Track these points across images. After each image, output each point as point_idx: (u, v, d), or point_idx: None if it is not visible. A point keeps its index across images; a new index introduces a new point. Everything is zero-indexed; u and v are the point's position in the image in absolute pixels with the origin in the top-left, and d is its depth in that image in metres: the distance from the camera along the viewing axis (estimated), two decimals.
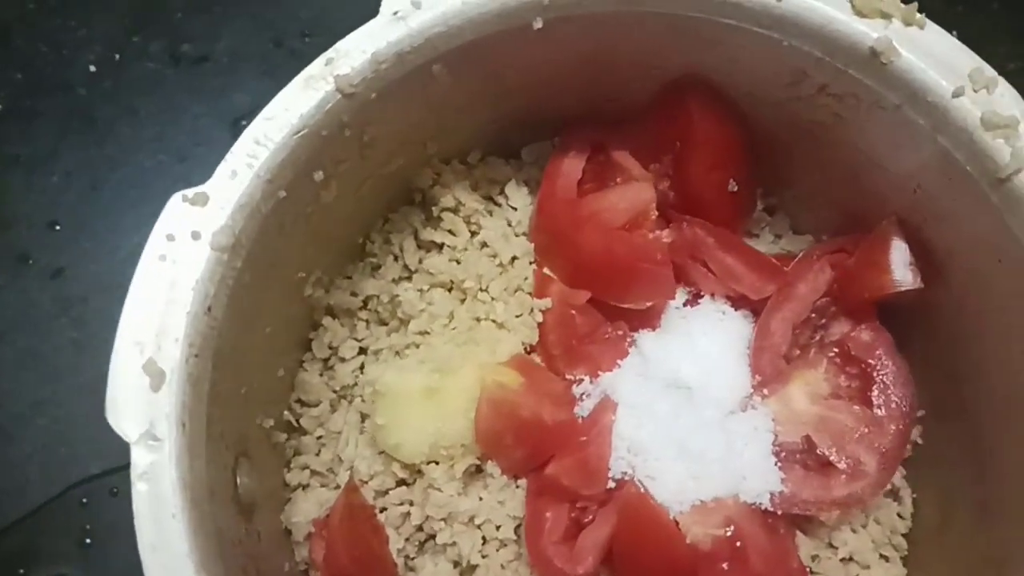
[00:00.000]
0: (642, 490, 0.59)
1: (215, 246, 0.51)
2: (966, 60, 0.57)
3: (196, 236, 0.51)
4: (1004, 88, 0.56)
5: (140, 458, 0.47)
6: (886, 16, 0.57)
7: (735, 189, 0.69)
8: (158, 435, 0.48)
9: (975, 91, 0.56)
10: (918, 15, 0.57)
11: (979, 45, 0.98)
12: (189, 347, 0.50)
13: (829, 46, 0.57)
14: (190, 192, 0.52)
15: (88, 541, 0.74)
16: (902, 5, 0.57)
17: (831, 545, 0.66)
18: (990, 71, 0.56)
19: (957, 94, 0.55)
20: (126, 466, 0.48)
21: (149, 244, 0.51)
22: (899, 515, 0.69)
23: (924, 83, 0.56)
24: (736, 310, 0.70)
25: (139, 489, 0.47)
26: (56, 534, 0.74)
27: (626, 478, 0.61)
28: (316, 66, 0.55)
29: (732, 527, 0.59)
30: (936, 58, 0.56)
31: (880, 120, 0.60)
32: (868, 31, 0.56)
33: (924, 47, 0.56)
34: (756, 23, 0.58)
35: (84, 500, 0.75)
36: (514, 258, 0.70)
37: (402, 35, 0.55)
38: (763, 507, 0.62)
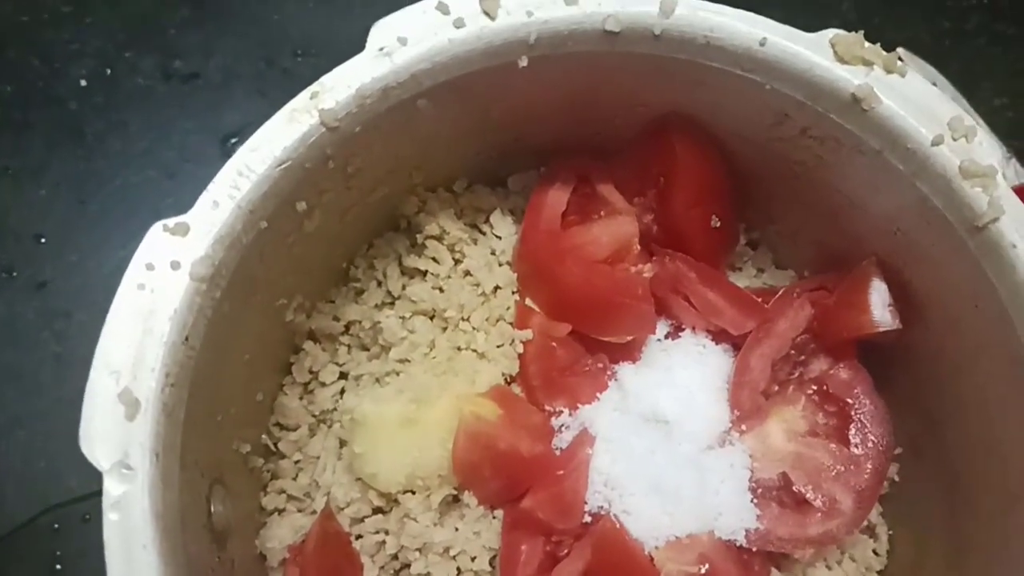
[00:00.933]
0: (618, 525, 0.59)
1: (194, 276, 0.51)
2: (946, 108, 0.57)
3: (176, 266, 0.51)
4: (983, 136, 0.57)
5: (112, 488, 0.47)
6: (868, 63, 0.57)
7: (717, 225, 0.70)
8: (131, 465, 0.48)
9: (954, 139, 0.56)
10: (899, 63, 0.57)
11: (966, 80, 1.00)
12: (165, 377, 0.50)
13: (811, 91, 0.58)
14: (171, 222, 0.52)
15: (58, 567, 0.74)
16: (883, 53, 0.58)
17: None
18: (969, 120, 0.57)
19: (936, 142, 0.56)
20: (99, 492, 0.48)
21: (128, 273, 0.51)
22: (875, 552, 0.70)
23: (904, 130, 0.57)
24: (716, 344, 0.70)
25: (110, 519, 0.47)
26: (25, 561, 0.74)
27: (602, 512, 0.62)
28: (301, 100, 0.55)
29: (707, 564, 0.59)
30: (916, 105, 0.57)
31: (861, 164, 0.60)
32: (850, 77, 0.57)
33: (905, 94, 0.57)
34: (738, 66, 0.58)
35: (56, 526, 0.75)
36: (497, 288, 0.70)
37: (387, 71, 0.55)
38: (738, 543, 0.62)
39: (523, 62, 0.58)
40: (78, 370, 0.50)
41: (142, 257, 0.52)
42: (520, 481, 0.63)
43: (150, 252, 0.52)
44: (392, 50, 0.55)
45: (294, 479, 0.68)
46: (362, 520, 0.65)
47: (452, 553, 0.63)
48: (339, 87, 0.55)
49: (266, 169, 0.53)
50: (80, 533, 0.75)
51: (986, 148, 0.57)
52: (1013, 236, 0.55)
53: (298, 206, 0.57)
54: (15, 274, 0.89)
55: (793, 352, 0.69)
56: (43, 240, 0.91)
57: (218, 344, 0.54)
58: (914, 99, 0.57)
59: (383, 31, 0.56)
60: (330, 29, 0.98)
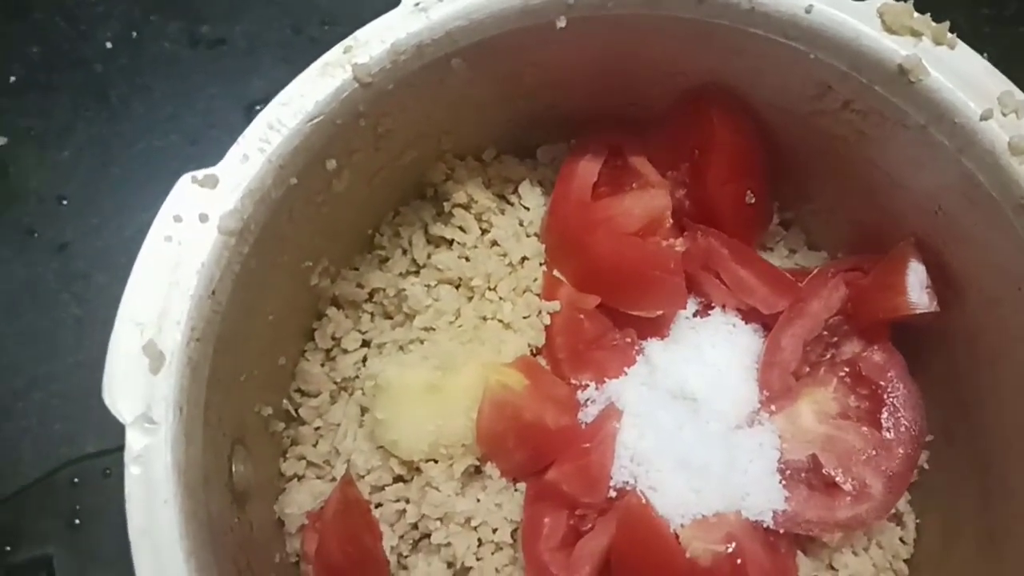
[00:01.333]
0: (644, 501, 0.58)
1: (223, 230, 0.50)
2: (996, 83, 0.55)
3: (204, 219, 0.50)
4: None
5: (135, 441, 0.47)
6: (916, 34, 0.56)
7: (752, 201, 0.68)
8: (155, 418, 0.47)
9: (1004, 115, 0.55)
10: (949, 35, 0.56)
11: (1005, 66, 0.97)
12: (191, 331, 0.49)
13: (856, 61, 0.56)
14: (200, 174, 0.51)
15: (77, 522, 0.73)
16: (933, 24, 0.56)
17: (831, 567, 0.65)
18: (1020, 95, 0.55)
19: (985, 117, 0.54)
20: (121, 447, 0.47)
21: (155, 224, 0.51)
22: (901, 540, 0.68)
23: (952, 104, 0.55)
24: (747, 323, 0.69)
25: (132, 472, 0.46)
26: (45, 513, 0.73)
27: (627, 488, 0.60)
28: (334, 53, 0.54)
29: (733, 543, 0.58)
30: (965, 79, 0.55)
31: (904, 139, 0.59)
32: (897, 48, 0.55)
33: (953, 67, 0.55)
34: (783, 34, 0.57)
35: (75, 480, 0.75)
36: (524, 258, 0.69)
37: (422, 27, 0.54)
38: (765, 525, 0.61)
39: (561, 23, 0.57)
40: (98, 333, 0.49)
41: (170, 209, 0.51)
42: (545, 453, 0.62)
43: (178, 204, 0.51)
44: (428, 6, 0.54)
45: (314, 446, 0.68)
46: (382, 488, 0.64)
47: (473, 524, 0.62)
48: (373, 42, 0.54)
49: (297, 124, 0.53)
50: (100, 488, 0.74)
51: None
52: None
53: (328, 164, 0.56)
54: (36, 235, 0.89)
55: (826, 333, 0.67)
56: (65, 202, 0.91)
57: (244, 301, 0.53)
58: (963, 72, 0.55)
59: None
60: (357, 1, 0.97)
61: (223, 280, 0.51)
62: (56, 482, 0.74)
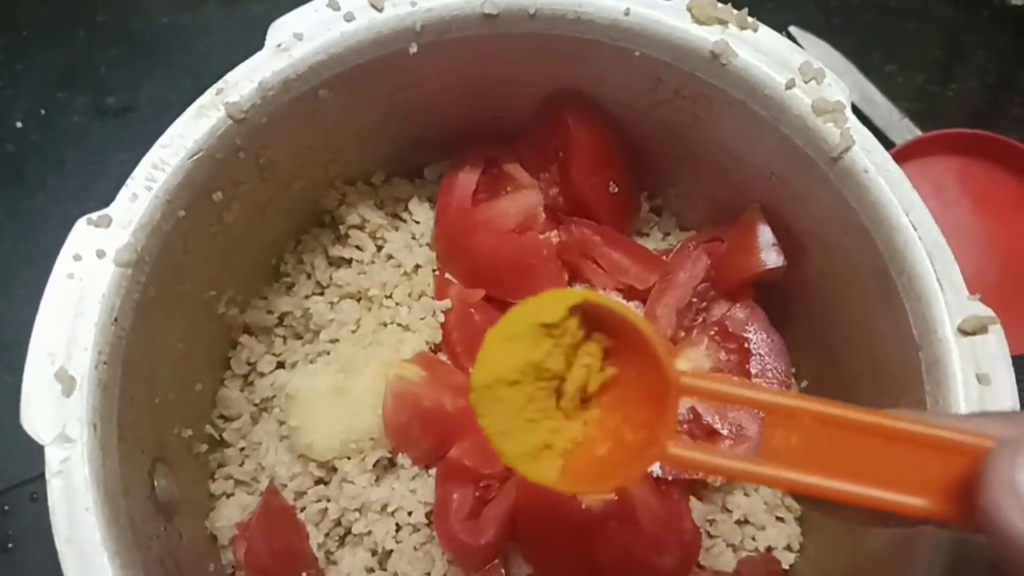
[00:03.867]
0: None
1: (119, 262, 0.56)
2: (796, 56, 0.63)
3: (101, 254, 0.56)
4: (831, 78, 0.63)
5: (53, 457, 0.51)
6: (722, 22, 0.63)
7: (615, 191, 0.75)
8: (71, 436, 0.52)
9: (805, 82, 0.62)
10: (750, 19, 0.64)
11: (857, 52, 1.08)
12: (98, 355, 0.54)
13: (675, 52, 0.64)
14: (95, 215, 0.57)
15: (10, 546, 0.77)
16: (735, 11, 0.64)
17: (726, 508, 0.71)
18: (817, 64, 0.63)
19: (789, 86, 0.62)
20: (43, 474, 0.52)
21: (57, 265, 0.55)
22: None
23: (760, 79, 0.62)
24: (628, 301, 0.75)
25: (54, 486, 0.51)
26: None
27: None
28: (207, 96, 0.60)
29: (621, 490, 0.64)
30: (769, 56, 0.63)
31: (730, 116, 0.66)
32: (707, 36, 0.63)
33: (758, 47, 0.63)
34: (608, 36, 0.64)
35: (6, 507, 0.79)
36: (417, 266, 0.75)
37: (286, 64, 0.60)
38: (655, 474, 0.67)
39: (413, 49, 0.63)
40: None
41: (70, 249, 0.56)
42: (448, 437, 0.67)
43: (77, 244, 0.56)
44: (289, 45, 0.61)
45: (240, 465, 0.72)
46: (305, 493, 0.69)
47: (390, 510, 0.67)
48: (242, 82, 0.60)
49: (179, 160, 0.58)
50: (28, 511, 0.78)
51: (835, 87, 0.62)
52: (864, 162, 0.60)
53: (214, 196, 0.62)
54: None
55: (695, 300, 0.74)
56: None
57: (147, 328, 0.58)
58: (767, 50, 0.63)
59: (280, 29, 0.61)
60: (248, 53, 1.03)
61: (124, 308, 0.56)
62: None
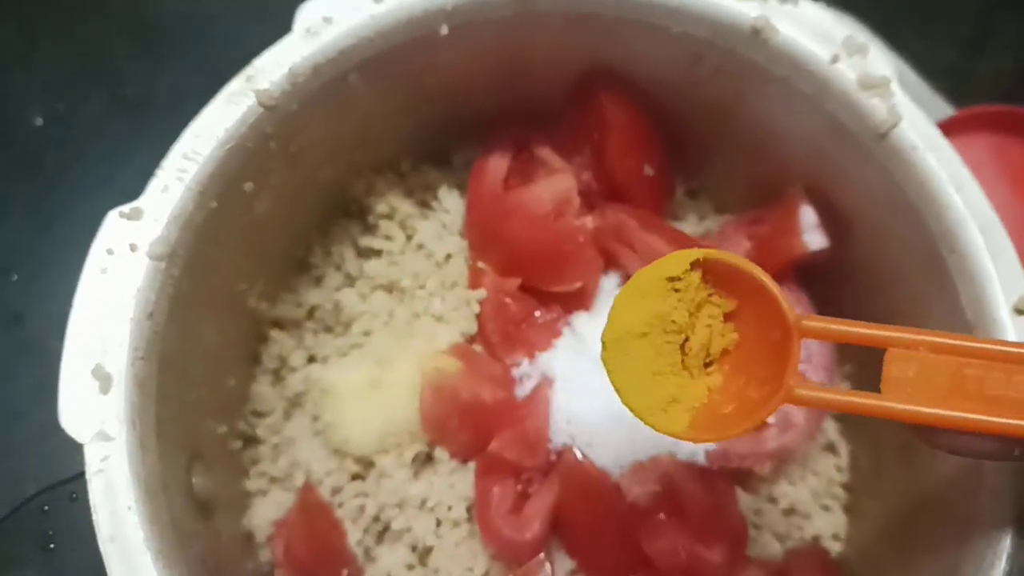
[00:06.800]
0: (580, 456, 0.62)
1: (153, 256, 0.54)
2: (839, 30, 0.61)
3: (134, 248, 0.54)
4: (876, 52, 0.61)
5: (93, 456, 0.50)
6: None
7: (651, 173, 0.73)
8: (110, 434, 0.50)
9: (849, 57, 0.60)
10: None
11: (886, 27, 1.05)
12: (134, 351, 0.53)
13: (715, 29, 0.62)
14: (126, 208, 0.55)
15: (51, 546, 0.77)
16: None
17: (772, 499, 0.70)
18: (862, 37, 0.61)
19: (833, 61, 0.60)
20: (83, 473, 0.51)
21: (89, 260, 0.54)
22: (836, 467, 0.73)
23: (803, 54, 0.61)
24: None
25: (94, 485, 0.50)
26: (19, 542, 0.76)
27: (566, 448, 0.64)
28: (237, 83, 0.58)
29: (668, 482, 0.62)
30: (812, 30, 0.61)
31: (772, 93, 0.64)
32: (747, 11, 0.61)
33: (800, 20, 0.61)
34: (645, 14, 0.62)
35: (45, 508, 0.78)
36: (449, 256, 0.73)
37: (315, 49, 0.59)
38: (699, 464, 0.65)
39: (444, 30, 0.62)
40: (58, 395, 0.53)
41: (102, 244, 0.55)
42: (487, 429, 0.65)
43: (109, 238, 0.55)
44: (318, 29, 0.59)
45: (274, 462, 0.71)
46: (341, 489, 0.68)
47: (429, 505, 0.65)
48: (271, 68, 0.58)
49: (211, 150, 0.57)
50: (68, 511, 0.77)
51: (881, 62, 0.60)
52: (913, 138, 0.58)
53: (245, 186, 0.60)
54: None
55: None
56: (14, 277, 0.93)
57: (182, 322, 0.57)
58: (809, 24, 0.61)
59: (308, 13, 0.59)
60: (266, 43, 1.02)
61: (159, 302, 0.54)
62: (28, 513, 0.78)
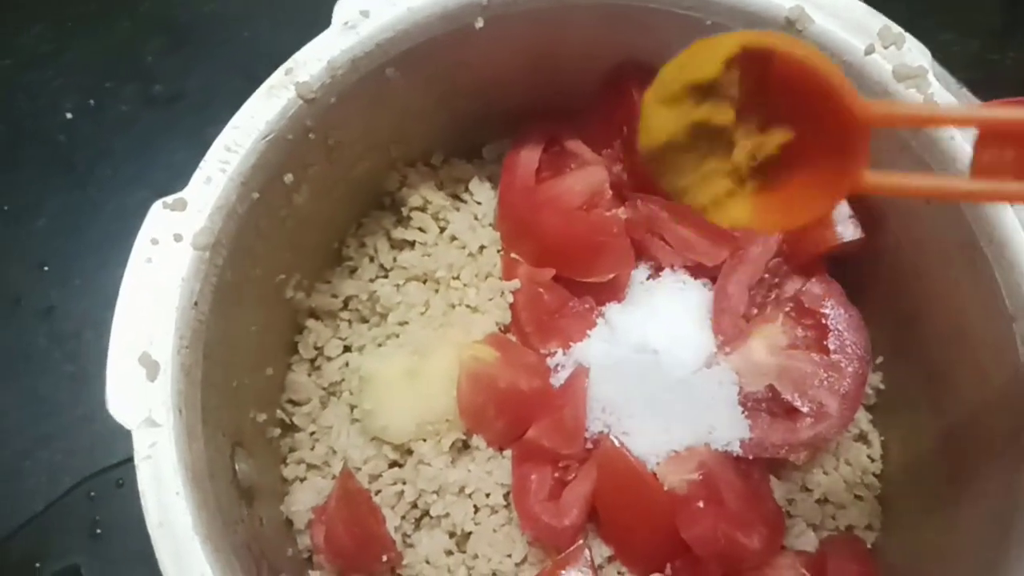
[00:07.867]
0: (618, 444, 0.62)
1: (197, 246, 0.55)
2: (874, 20, 0.61)
3: (178, 238, 0.55)
4: (911, 43, 0.61)
5: (141, 442, 0.51)
6: None
7: None
8: (157, 421, 0.51)
9: (884, 47, 0.61)
10: None
11: (910, 19, 1.04)
12: (180, 339, 0.54)
13: (749, 20, 0.62)
14: (170, 199, 0.56)
15: (98, 532, 0.78)
16: None
17: (806, 488, 0.70)
18: (896, 28, 0.61)
19: (869, 51, 0.60)
20: (130, 459, 0.52)
21: (135, 250, 0.55)
22: (869, 457, 0.73)
23: (837, 45, 0.61)
24: (695, 279, 0.74)
25: (143, 471, 0.51)
26: (67, 528, 0.78)
27: (604, 436, 0.65)
28: (277, 76, 0.59)
29: (705, 471, 0.63)
30: (846, 21, 0.61)
31: None
32: (782, 2, 0.61)
33: (835, 11, 0.61)
34: (679, 5, 0.63)
35: (92, 494, 0.79)
36: (482, 247, 0.74)
37: (354, 42, 0.60)
38: (735, 453, 0.65)
39: (479, 23, 0.62)
40: (92, 387, 0.54)
41: (147, 234, 0.56)
42: (523, 417, 0.66)
43: (154, 228, 0.56)
44: (356, 23, 0.60)
45: (312, 449, 0.72)
46: (379, 476, 0.69)
47: (468, 491, 0.66)
48: (311, 61, 0.59)
49: (252, 142, 0.58)
50: (115, 497, 0.79)
51: (916, 52, 0.61)
52: (949, 128, 0.59)
53: (286, 178, 0.61)
54: (22, 302, 0.93)
55: (767, 276, 0.72)
56: (46, 268, 0.95)
57: (225, 311, 0.58)
58: (844, 14, 0.61)
59: (346, 7, 0.60)
60: (300, 41, 1.03)
61: (203, 292, 0.55)
62: (75, 499, 0.79)
